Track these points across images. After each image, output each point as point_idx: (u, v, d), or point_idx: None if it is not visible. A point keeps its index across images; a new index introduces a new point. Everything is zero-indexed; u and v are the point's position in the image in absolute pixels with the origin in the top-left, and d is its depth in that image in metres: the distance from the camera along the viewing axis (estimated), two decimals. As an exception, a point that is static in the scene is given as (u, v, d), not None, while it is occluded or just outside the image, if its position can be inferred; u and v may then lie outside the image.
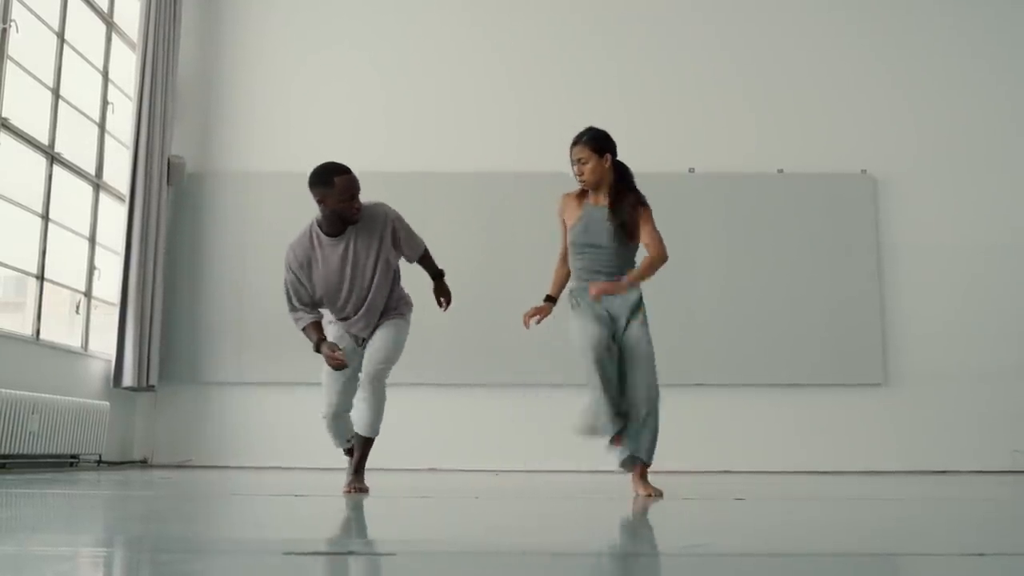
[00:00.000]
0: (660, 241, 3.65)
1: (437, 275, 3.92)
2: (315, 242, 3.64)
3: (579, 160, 3.65)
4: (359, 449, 3.67)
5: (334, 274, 3.61)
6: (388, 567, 1.59)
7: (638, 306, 3.69)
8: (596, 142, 3.65)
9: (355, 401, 3.70)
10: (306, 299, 3.67)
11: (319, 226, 3.64)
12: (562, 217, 3.77)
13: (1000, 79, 7.04)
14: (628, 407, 3.54)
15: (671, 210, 6.83)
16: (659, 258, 3.63)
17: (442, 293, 3.89)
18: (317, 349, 3.61)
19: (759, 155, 6.90)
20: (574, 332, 3.56)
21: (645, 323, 3.66)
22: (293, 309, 3.69)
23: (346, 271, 3.61)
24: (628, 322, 3.63)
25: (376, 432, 3.65)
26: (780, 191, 6.85)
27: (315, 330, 3.63)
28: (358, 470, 3.66)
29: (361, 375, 3.65)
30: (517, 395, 6.35)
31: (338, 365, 3.54)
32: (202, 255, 6.82)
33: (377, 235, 3.62)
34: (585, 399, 3.53)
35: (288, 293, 3.68)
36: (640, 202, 3.69)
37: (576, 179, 3.70)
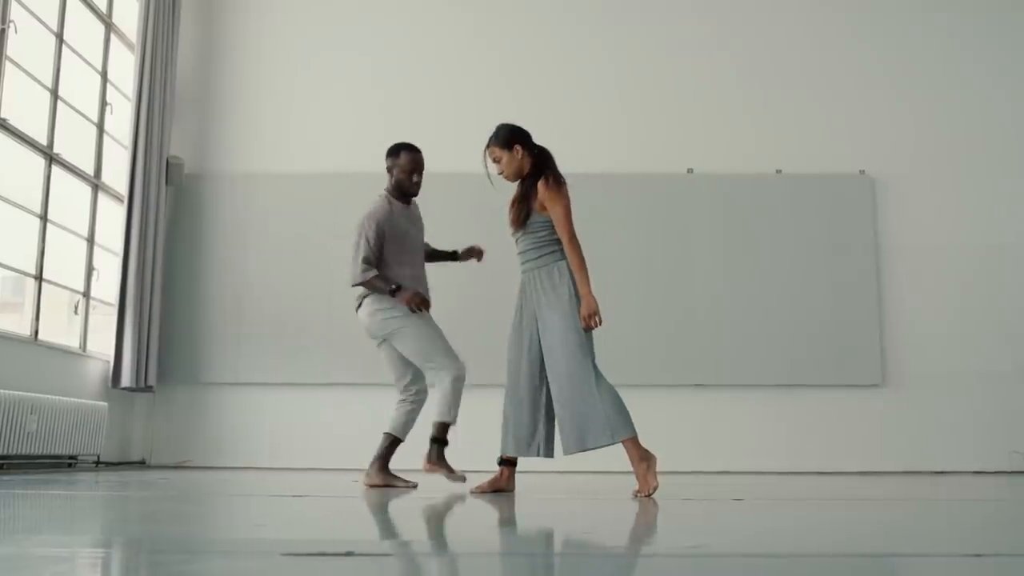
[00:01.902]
0: (562, 223, 3.62)
1: (451, 252, 4.33)
2: (391, 205, 4.06)
3: (495, 160, 3.78)
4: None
5: (402, 235, 4.03)
6: (386, 568, 1.59)
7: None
8: (500, 139, 3.75)
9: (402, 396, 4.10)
10: (373, 259, 3.96)
11: (391, 194, 4.10)
12: None
13: (998, 80, 7.05)
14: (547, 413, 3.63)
15: (669, 210, 6.88)
16: (568, 247, 3.62)
17: (471, 252, 4.30)
18: (394, 292, 3.90)
19: (757, 156, 6.91)
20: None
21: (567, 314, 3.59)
22: (367, 266, 3.94)
23: (408, 236, 4.06)
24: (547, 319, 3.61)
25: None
26: (778, 192, 6.86)
27: (384, 278, 3.95)
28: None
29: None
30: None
31: (422, 303, 3.92)
32: (200, 256, 6.82)
33: (421, 222, 4.21)
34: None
35: (366, 249, 3.94)
36: (535, 183, 3.64)
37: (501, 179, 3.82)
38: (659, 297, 6.68)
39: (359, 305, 4.04)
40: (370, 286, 3.94)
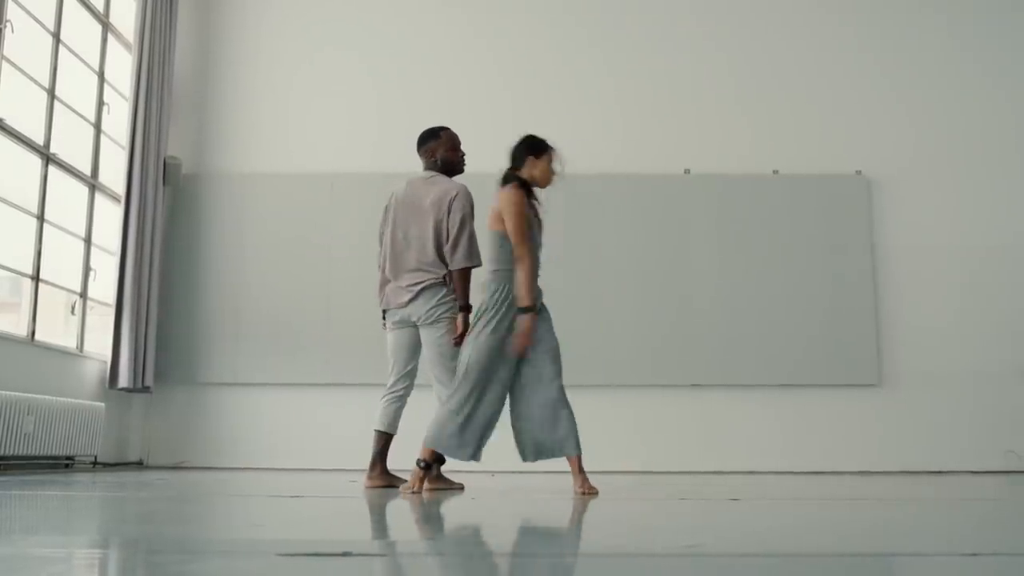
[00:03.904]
0: (515, 235, 3.62)
1: None
2: None
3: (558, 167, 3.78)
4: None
5: None
6: (382, 568, 1.60)
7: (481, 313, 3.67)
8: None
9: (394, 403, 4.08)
10: None
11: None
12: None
13: (995, 80, 7.05)
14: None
15: (666, 211, 6.88)
16: (522, 265, 3.61)
17: None
18: (465, 307, 3.88)
19: (754, 156, 6.91)
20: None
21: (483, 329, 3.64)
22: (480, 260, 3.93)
23: None
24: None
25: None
26: (775, 192, 6.86)
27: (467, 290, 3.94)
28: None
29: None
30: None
31: (459, 338, 3.85)
32: (198, 256, 6.81)
33: None
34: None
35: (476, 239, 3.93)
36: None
37: (553, 181, 3.78)
38: (656, 297, 6.68)
39: (421, 292, 3.92)
40: (463, 278, 3.87)
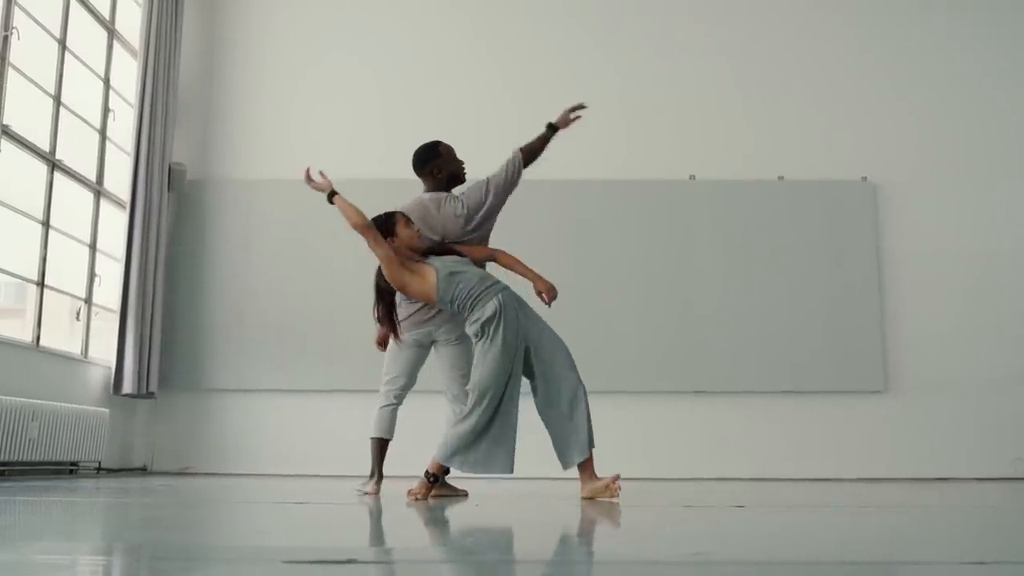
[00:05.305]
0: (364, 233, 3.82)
1: None
2: None
3: None
4: None
5: None
6: (388, 575, 1.59)
7: None
8: None
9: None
10: None
11: (445, 191, 3.94)
12: None
13: (1000, 86, 7.05)
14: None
15: (671, 217, 6.88)
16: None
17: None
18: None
19: (759, 162, 6.91)
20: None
21: None
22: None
23: None
24: None
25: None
26: (780, 198, 6.86)
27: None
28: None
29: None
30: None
31: None
32: (202, 262, 6.82)
33: None
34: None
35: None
36: None
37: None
38: (661, 303, 6.67)
39: (442, 314, 3.88)
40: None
